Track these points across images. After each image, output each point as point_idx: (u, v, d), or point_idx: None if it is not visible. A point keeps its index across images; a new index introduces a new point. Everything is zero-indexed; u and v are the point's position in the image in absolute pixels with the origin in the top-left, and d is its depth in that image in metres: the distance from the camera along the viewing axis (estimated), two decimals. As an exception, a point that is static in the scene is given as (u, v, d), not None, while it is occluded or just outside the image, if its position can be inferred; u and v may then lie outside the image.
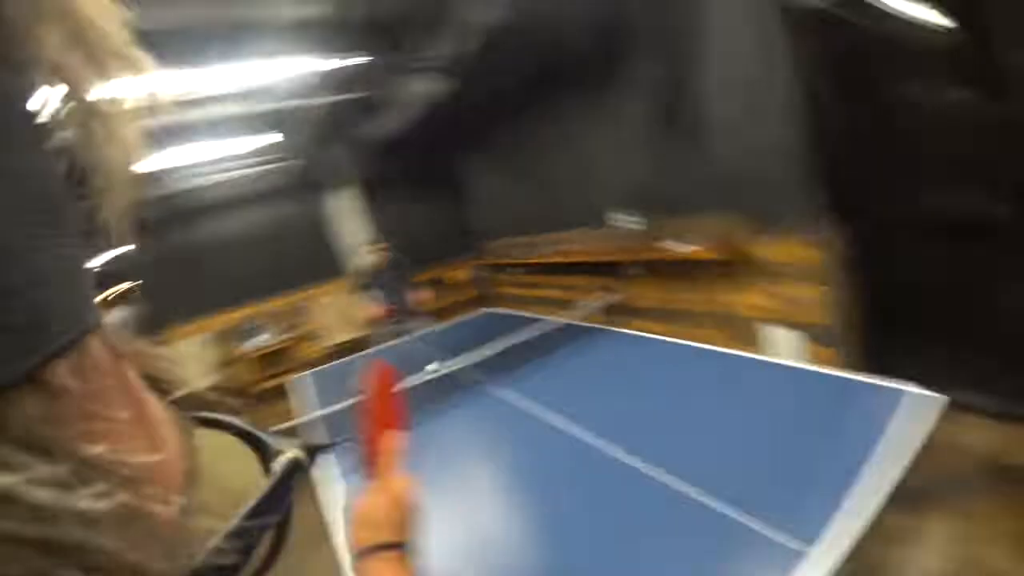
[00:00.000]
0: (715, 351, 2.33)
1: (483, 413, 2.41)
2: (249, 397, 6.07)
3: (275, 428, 0.25)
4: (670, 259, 3.70)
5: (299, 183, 6.72)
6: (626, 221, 4.23)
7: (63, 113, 0.18)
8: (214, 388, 5.93)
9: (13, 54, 0.15)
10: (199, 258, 6.31)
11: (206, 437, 0.24)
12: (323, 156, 6.54)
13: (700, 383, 2.08)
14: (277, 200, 6.76)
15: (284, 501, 0.22)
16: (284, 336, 6.28)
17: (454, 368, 2.80)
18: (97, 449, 0.16)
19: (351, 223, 6.57)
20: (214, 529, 0.19)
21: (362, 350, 4.74)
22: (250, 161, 6.20)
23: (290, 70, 3.88)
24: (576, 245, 4.95)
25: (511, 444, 2.05)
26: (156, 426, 0.20)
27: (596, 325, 3.17)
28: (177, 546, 0.17)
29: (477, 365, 2.86)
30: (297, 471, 0.24)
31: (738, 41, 2.97)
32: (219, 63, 3.58)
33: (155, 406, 0.21)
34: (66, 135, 0.18)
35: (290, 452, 0.25)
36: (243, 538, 0.19)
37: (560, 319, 3.47)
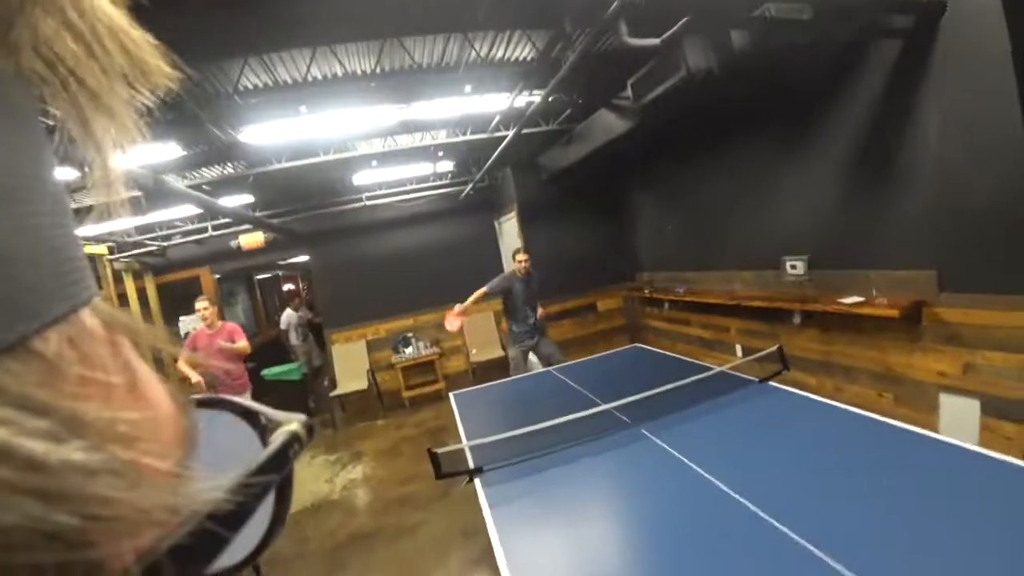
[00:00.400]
0: (879, 420, 2.31)
1: (624, 452, 2.56)
2: (397, 403, 6.83)
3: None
4: (844, 312, 3.71)
5: (469, 205, 7.59)
6: (798, 268, 4.28)
7: (53, 93, 0.19)
8: (366, 391, 6.70)
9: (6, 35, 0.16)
10: (370, 269, 7.28)
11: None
12: (494, 181, 7.30)
13: (856, 452, 2.08)
14: (447, 220, 7.64)
15: (284, 467, 0.23)
16: (430, 350, 6.94)
17: (603, 409, 2.98)
18: (89, 408, 0.17)
19: (513, 245, 7.17)
20: (216, 485, 0.19)
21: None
22: (428, 184, 7.10)
23: (485, 105, 4.47)
24: (738, 287, 5.04)
25: (648, 486, 2.20)
26: (150, 390, 0.21)
27: (747, 376, 3.25)
28: (177, 497, 0.18)
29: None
30: (296, 443, 0.25)
31: (964, 75, 2.93)
32: (423, 100, 4.26)
33: (148, 373, 0.22)
34: (57, 112, 0.19)
35: (289, 425, 0.25)
36: (244, 494, 0.20)
37: (710, 365, 3.60)
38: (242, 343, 4.70)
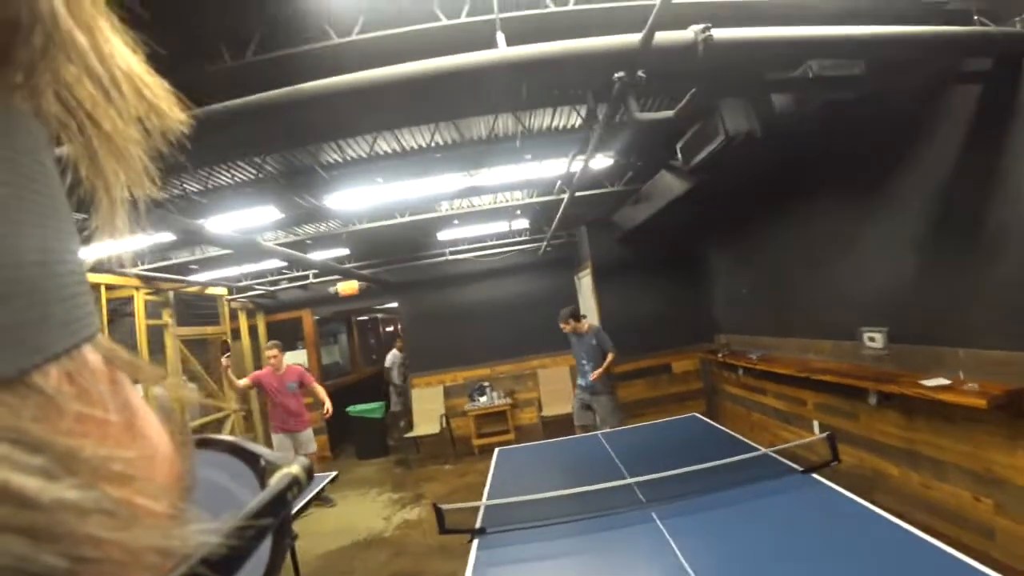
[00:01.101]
0: (939, 549, 1.84)
1: (623, 534, 2.40)
2: (468, 449, 6.89)
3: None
4: (925, 397, 3.16)
5: (549, 261, 7.68)
6: (876, 341, 3.76)
7: (69, 135, 0.19)
8: (438, 435, 6.84)
9: (29, 76, 0.17)
10: (453, 319, 7.56)
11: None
12: (571, 238, 7.36)
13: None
14: (527, 274, 7.77)
15: (281, 512, 0.22)
16: (502, 400, 6.95)
17: (616, 485, 2.81)
18: (85, 445, 0.16)
19: (589, 301, 7.10)
20: (210, 528, 0.19)
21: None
22: (507, 240, 7.34)
23: (545, 170, 4.55)
24: (812, 357, 4.53)
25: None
26: (148, 429, 0.21)
27: (792, 464, 2.86)
28: (170, 539, 0.17)
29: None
30: (294, 487, 0.24)
31: None
32: (486, 167, 4.44)
33: (147, 411, 0.21)
34: (68, 148, 0.19)
35: (288, 468, 0.25)
36: (239, 538, 0.19)
37: (756, 446, 3.24)
38: (318, 388, 5.18)
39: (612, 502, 2.71)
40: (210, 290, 6.50)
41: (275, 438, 5.28)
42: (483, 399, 7.00)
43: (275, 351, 5.03)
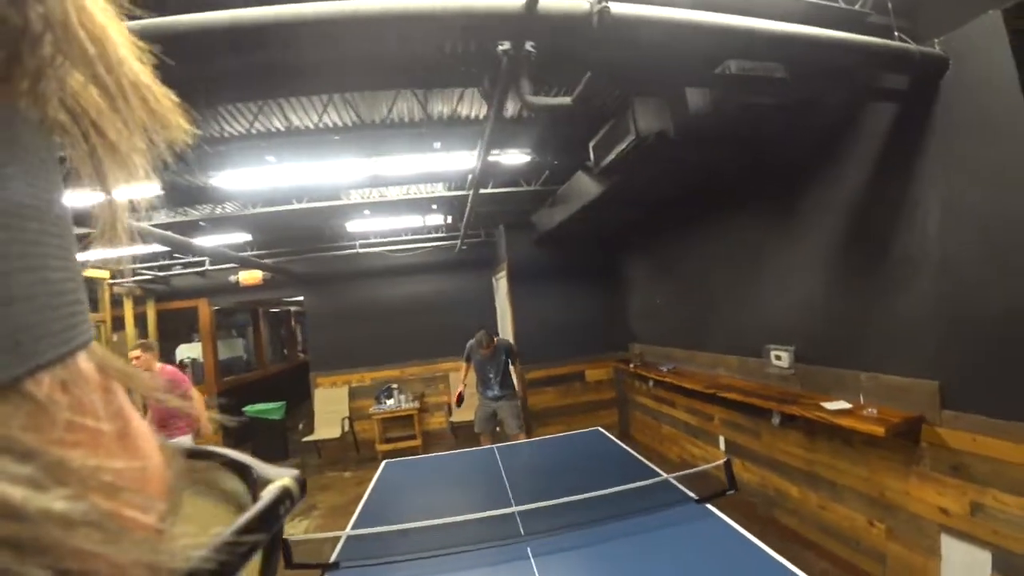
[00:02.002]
0: None
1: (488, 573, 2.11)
2: (371, 455, 6.37)
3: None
4: (825, 421, 2.98)
5: (466, 260, 7.21)
6: (782, 360, 3.58)
7: (73, 143, 0.18)
8: (340, 438, 6.30)
9: (21, 80, 0.16)
10: (362, 315, 6.97)
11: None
12: (489, 237, 6.97)
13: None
14: (444, 273, 7.26)
15: (273, 525, 0.21)
16: (410, 404, 6.48)
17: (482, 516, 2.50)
18: (75, 455, 0.15)
19: (505, 304, 6.74)
20: (199, 542, 0.17)
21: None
22: (423, 236, 6.86)
23: (472, 162, 4.13)
24: (722, 373, 4.34)
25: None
26: (139, 439, 0.20)
27: (691, 495, 2.61)
28: (158, 554, 0.16)
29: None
30: (287, 500, 0.22)
31: (972, 151, 2.28)
32: (418, 151, 3.99)
33: (139, 422, 0.21)
34: (71, 155, 0.18)
35: (280, 480, 0.23)
36: (229, 553, 0.18)
37: (656, 469, 2.98)
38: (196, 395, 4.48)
39: (489, 534, 2.40)
40: (89, 272, 5.65)
41: None
42: (390, 402, 6.46)
43: (138, 353, 4.20)
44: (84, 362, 0.18)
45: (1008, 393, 2.22)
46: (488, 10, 1.71)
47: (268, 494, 0.22)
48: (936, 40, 2.43)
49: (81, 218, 0.20)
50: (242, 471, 0.26)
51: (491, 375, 4.89)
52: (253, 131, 3.66)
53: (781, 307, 3.61)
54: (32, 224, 0.16)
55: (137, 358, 4.12)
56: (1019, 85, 2.08)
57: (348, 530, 2.62)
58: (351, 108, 3.53)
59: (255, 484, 0.25)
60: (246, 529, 0.20)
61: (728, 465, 2.64)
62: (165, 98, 0.21)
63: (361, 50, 2.06)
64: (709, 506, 2.52)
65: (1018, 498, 2.21)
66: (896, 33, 2.47)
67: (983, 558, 2.41)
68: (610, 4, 1.77)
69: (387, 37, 1.86)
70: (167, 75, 0.22)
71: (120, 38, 0.19)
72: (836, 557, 3.25)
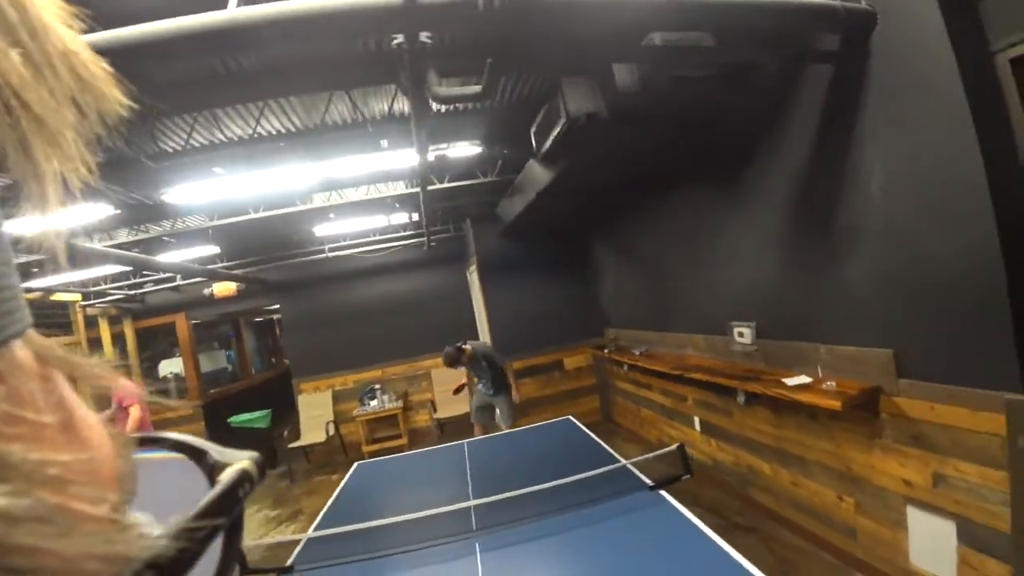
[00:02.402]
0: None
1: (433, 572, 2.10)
2: (359, 457, 6.33)
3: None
4: (785, 398, 2.90)
5: (439, 257, 7.10)
6: (745, 337, 3.49)
7: None
8: (327, 442, 6.26)
9: None
10: (339, 319, 6.89)
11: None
12: (459, 232, 6.86)
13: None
14: (418, 271, 7.15)
15: (232, 508, 0.20)
16: (393, 404, 6.43)
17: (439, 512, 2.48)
18: (15, 448, 0.15)
19: (477, 298, 6.65)
20: (155, 531, 0.17)
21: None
22: (390, 236, 6.76)
23: (428, 156, 4.02)
24: (690, 352, 4.26)
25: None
26: (86, 429, 0.19)
27: (647, 482, 2.54)
28: (111, 545, 0.16)
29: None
30: (247, 482, 0.21)
31: (905, 109, 2.16)
32: (366, 151, 3.89)
33: (85, 411, 0.20)
34: None
35: (239, 463, 0.22)
36: (187, 540, 0.17)
37: (617, 456, 2.92)
38: (134, 413, 4.21)
39: (442, 530, 2.40)
40: (57, 296, 5.58)
41: None
42: (374, 403, 6.40)
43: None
44: (20, 350, 0.17)
45: (960, 358, 2.13)
46: (365, 6, 1.60)
47: (226, 477, 0.21)
48: (864, -4, 2.31)
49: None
50: (197, 456, 0.25)
51: (483, 378, 4.87)
52: (191, 144, 3.56)
53: (740, 282, 3.51)
54: None
55: None
56: (946, 33, 1.97)
57: (308, 533, 2.65)
58: (287, 114, 3.42)
59: (212, 468, 0.24)
60: (205, 514, 0.19)
61: (682, 449, 2.57)
62: (96, 66, 0.20)
63: (265, 57, 1.96)
64: (664, 492, 2.45)
65: (978, 467, 2.12)
66: None
67: (948, 529, 2.33)
68: (495, -15, 1.66)
69: (285, 41, 1.76)
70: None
71: (45, 2, 0.18)
72: (809, 533, 3.19)
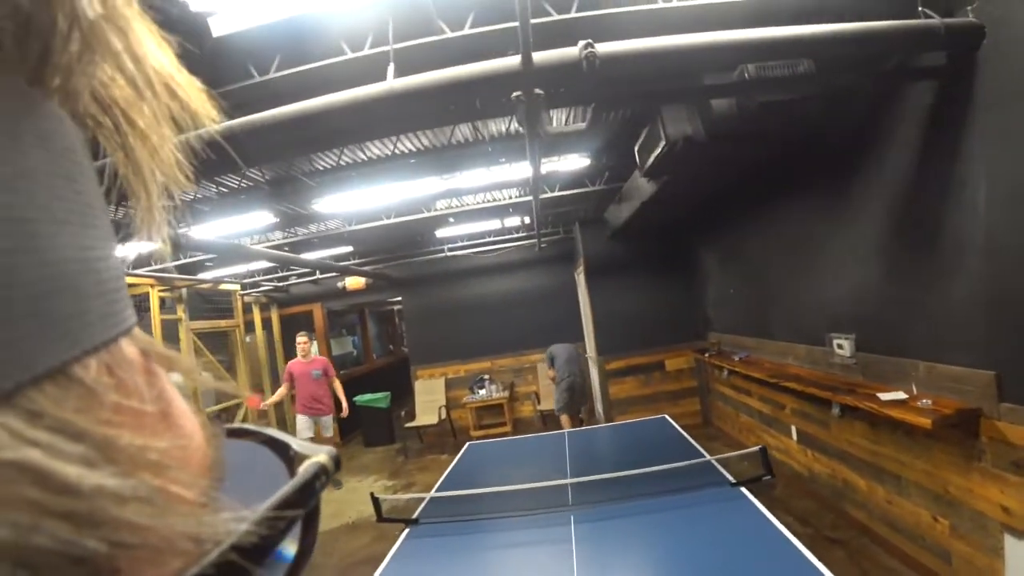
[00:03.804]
0: None
1: (533, 534, 2.51)
2: (467, 440, 6.98)
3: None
4: (874, 411, 2.98)
5: (549, 257, 7.63)
6: (844, 349, 3.55)
7: (106, 134, 0.20)
8: (439, 425, 6.96)
9: (55, 72, 0.17)
10: (455, 313, 7.60)
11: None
12: (568, 235, 7.28)
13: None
14: (529, 270, 7.73)
15: (309, 500, 0.22)
16: (500, 394, 6.99)
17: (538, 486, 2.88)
18: (123, 435, 0.16)
19: (583, 298, 7.02)
20: (241, 516, 0.19)
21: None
22: (504, 237, 7.33)
23: (541, 170, 4.52)
24: (790, 362, 4.32)
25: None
26: (182, 419, 0.21)
27: (729, 478, 2.77)
28: (202, 526, 0.18)
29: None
30: (322, 475, 0.24)
31: (1013, 123, 2.17)
32: (485, 166, 4.48)
33: (181, 402, 0.22)
34: (105, 146, 0.20)
35: (316, 457, 0.24)
36: (269, 527, 0.19)
37: (704, 453, 3.16)
38: (338, 384, 5.81)
39: (542, 501, 2.80)
40: (223, 286, 6.81)
41: (299, 419, 5.70)
42: (482, 392, 7.05)
43: (305, 339, 5.67)
44: (128, 347, 0.19)
45: None
46: (489, 73, 2.05)
47: (305, 469, 0.23)
48: (969, 8, 2.33)
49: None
50: (280, 448, 0.26)
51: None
52: (341, 163, 4.29)
53: (840, 294, 3.55)
54: (75, 216, 0.17)
55: (305, 342, 5.63)
56: None
57: (431, 493, 3.22)
58: (419, 137, 4.02)
59: (293, 460, 0.25)
60: (284, 504, 0.20)
61: (764, 452, 2.76)
62: (191, 87, 0.22)
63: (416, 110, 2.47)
64: (744, 490, 2.67)
65: None
66: (920, 8, 2.39)
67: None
68: (596, 47, 2.03)
69: (432, 103, 2.25)
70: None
71: (143, 30, 0.20)
72: (901, 553, 3.20)
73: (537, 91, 2.20)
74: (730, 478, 2.81)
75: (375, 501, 2.98)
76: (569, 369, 5.72)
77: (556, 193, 5.11)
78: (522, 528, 2.60)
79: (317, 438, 5.77)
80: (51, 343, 0.15)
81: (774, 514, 2.39)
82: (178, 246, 4.23)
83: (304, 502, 0.22)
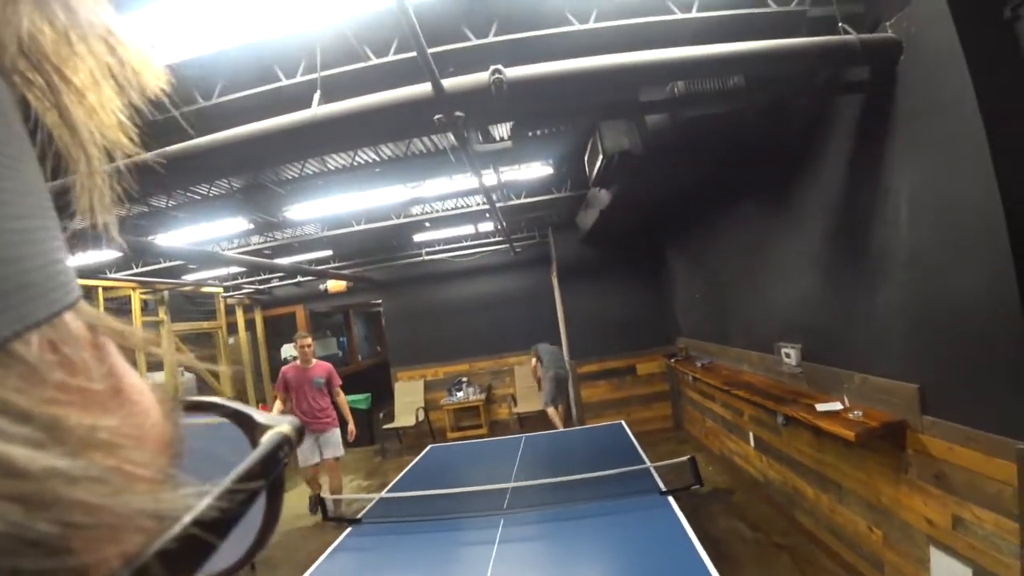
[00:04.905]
0: None
1: (462, 535, 2.64)
2: (444, 441, 7.07)
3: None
4: (808, 422, 3.02)
5: (525, 261, 7.69)
6: (791, 358, 3.59)
7: (39, 93, 0.18)
8: (417, 426, 7.05)
9: None
10: (434, 316, 7.68)
11: None
12: (543, 239, 7.33)
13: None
14: (506, 274, 7.79)
15: (273, 470, 0.22)
16: (477, 396, 7.07)
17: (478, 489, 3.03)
18: (71, 413, 0.16)
19: (558, 301, 7.08)
20: (202, 490, 0.18)
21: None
22: (480, 242, 7.39)
23: (501, 178, 4.61)
24: (745, 369, 4.36)
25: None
26: (135, 395, 0.20)
27: (661, 486, 2.84)
28: (160, 504, 0.17)
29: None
30: (286, 445, 0.23)
31: (928, 136, 2.22)
32: (447, 174, 4.55)
33: (134, 377, 0.21)
34: (37, 106, 0.18)
35: (279, 428, 0.24)
36: (231, 500, 0.18)
37: (646, 460, 3.22)
38: (342, 396, 4.85)
39: (480, 505, 2.94)
40: (205, 288, 6.92)
41: None
42: (460, 394, 7.13)
43: (309, 340, 4.66)
44: (73, 321, 0.18)
45: (980, 399, 2.14)
46: (405, 99, 2.12)
47: (267, 440, 0.23)
48: (888, 24, 2.36)
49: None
50: (243, 420, 0.26)
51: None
52: (305, 172, 4.37)
53: (789, 302, 3.58)
54: (8, 184, 0.16)
55: (309, 345, 4.71)
56: (964, 61, 1.98)
57: (379, 495, 3.42)
58: (378, 148, 4.09)
59: (255, 432, 0.25)
60: (247, 476, 0.20)
61: (693, 460, 2.83)
62: (134, 44, 0.21)
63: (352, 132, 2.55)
64: (671, 498, 2.74)
65: (993, 514, 2.13)
66: (840, 24, 2.39)
67: (965, 574, 2.35)
68: (505, 71, 2.08)
69: (354, 127, 2.32)
70: None
71: None
72: (843, 560, 3.24)
73: (458, 113, 2.26)
74: (661, 486, 2.87)
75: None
76: (555, 363, 6.11)
77: (523, 200, 5.16)
78: (454, 530, 2.72)
79: (323, 467, 4.76)
80: None
81: (726, 520, 2.48)
82: (144, 252, 4.33)
83: (267, 473, 0.21)
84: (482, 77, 2.10)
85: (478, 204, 5.61)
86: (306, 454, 4.59)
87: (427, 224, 6.28)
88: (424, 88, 2.11)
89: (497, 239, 7.38)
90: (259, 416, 0.26)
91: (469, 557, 2.41)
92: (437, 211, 5.94)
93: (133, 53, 0.21)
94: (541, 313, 7.32)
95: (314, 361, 4.76)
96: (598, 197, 4.51)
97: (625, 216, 4.81)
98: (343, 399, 4.85)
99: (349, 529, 2.92)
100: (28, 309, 0.16)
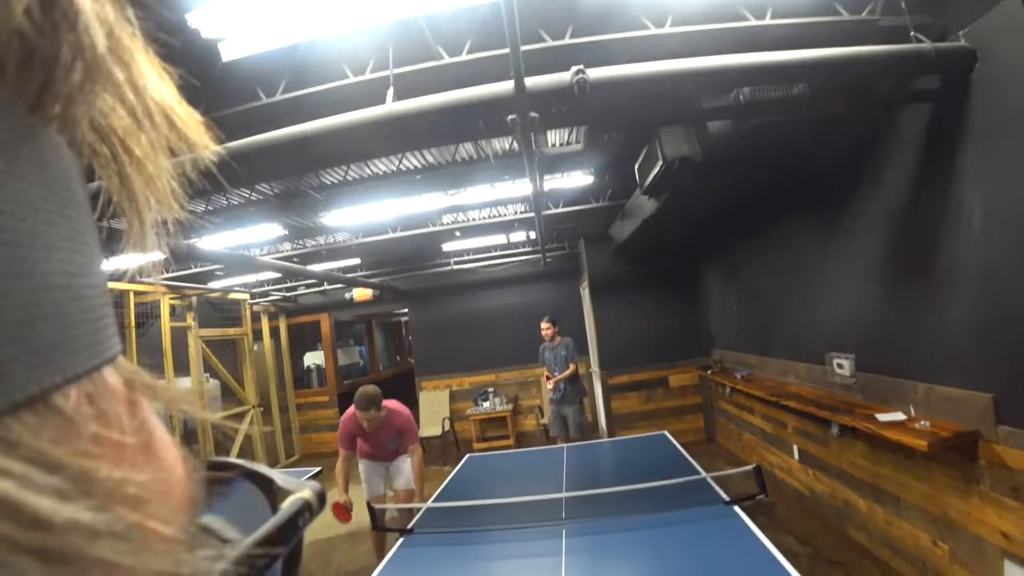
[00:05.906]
0: None
1: (523, 547, 2.55)
2: (470, 452, 7.01)
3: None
4: (870, 431, 2.97)
5: (554, 271, 7.70)
6: (844, 368, 3.55)
7: (102, 163, 0.20)
8: (442, 436, 6.99)
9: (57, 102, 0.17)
10: (460, 325, 7.66)
11: None
12: (574, 250, 7.33)
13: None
14: (534, 284, 7.80)
15: (292, 537, 0.22)
16: (504, 407, 7.02)
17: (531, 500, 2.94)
18: (101, 467, 0.16)
19: (588, 312, 7.05)
20: (220, 555, 0.18)
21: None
22: (510, 252, 7.40)
23: (543, 187, 4.60)
24: (791, 380, 4.32)
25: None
26: (163, 451, 0.20)
27: (733, 502, 2.77)
28: (180, 565, 0.17)
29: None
30: (306, 512, 0.23)
31: (1006, 146, 2.19)
32: (489, 182, 4.57)
33: (163, 434, 0.21)
34: (101, 174, 0.20)
35: (300, 492, 0.24)
36: (249, 565, 0.18)
37: (700, 470, 3.17)
38: (418, 456, 3.84)
39: (536, 515, 2.85)
40: (232, 295, 6.93)
41: (361, 464, 4.01)
42: (486, 404, 7.07)
43: (372, 413, 3.49)
44: (111, 376, 0.18)
45: None
46: (482, 97, 2.12)
47: (288, 506, 0.23)
48: (961, 33, 2.36)
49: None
50: (263, 483, 0.26)
51: (555, 371, 5.42)
52: (348, 178, 4.39)
53: (840, 314, 3.56)
54: (64, 243, 0.16)
55: (372, 419, 3.59)
56: None
57: (427, 503, 3.31)
58: (423, 154, 4.10)
59: (275, 496, 0.25)
60: (266, 541, 0.20)
61: (758, 470, 2.77)
62: (190, 118, 0.22)
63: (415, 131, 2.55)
64: (739, 508, 2.68)
65: None
66: (912, 33, 2.41)
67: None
68: (587, 72, 2.09)
69: (428, 123, 2.32)
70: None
71: (145, 61, 0.20)
72: (902, 576, 3.18)
73: (532, 114, 2.26)
74: (724, 496, 2.81)
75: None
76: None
77: (560, 209, 5.17)
78: (514, 541, 2.64)
79: (397, 498, 4.01)
80: (33, 370, 0.15)
81: (773, 534, 2.40)
82: (185, 257, 4.34)
83: (286, 540, 0.21)
84: (564, 77, 2.10)
85: (515, 213, 5.62)
86: (372, 485, 4.00)
87: (457, 233, 6.30)
88: (505, 86, 2.11)
89: (526, 249, 7.38)
90: (280, 479, 0.26)
91: (538, 568, 2.35)
92: (470, 220, 5.95)
93: (190, 127, 0.22)
94: (569, 324, 7.27)
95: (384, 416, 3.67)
96: (640, 207, 4.50)
97: (666, 227, 4.81)
98: (419, 461, 3.83)
99: (401, 539, 2.86)
100: (71, 362, 0.16)
